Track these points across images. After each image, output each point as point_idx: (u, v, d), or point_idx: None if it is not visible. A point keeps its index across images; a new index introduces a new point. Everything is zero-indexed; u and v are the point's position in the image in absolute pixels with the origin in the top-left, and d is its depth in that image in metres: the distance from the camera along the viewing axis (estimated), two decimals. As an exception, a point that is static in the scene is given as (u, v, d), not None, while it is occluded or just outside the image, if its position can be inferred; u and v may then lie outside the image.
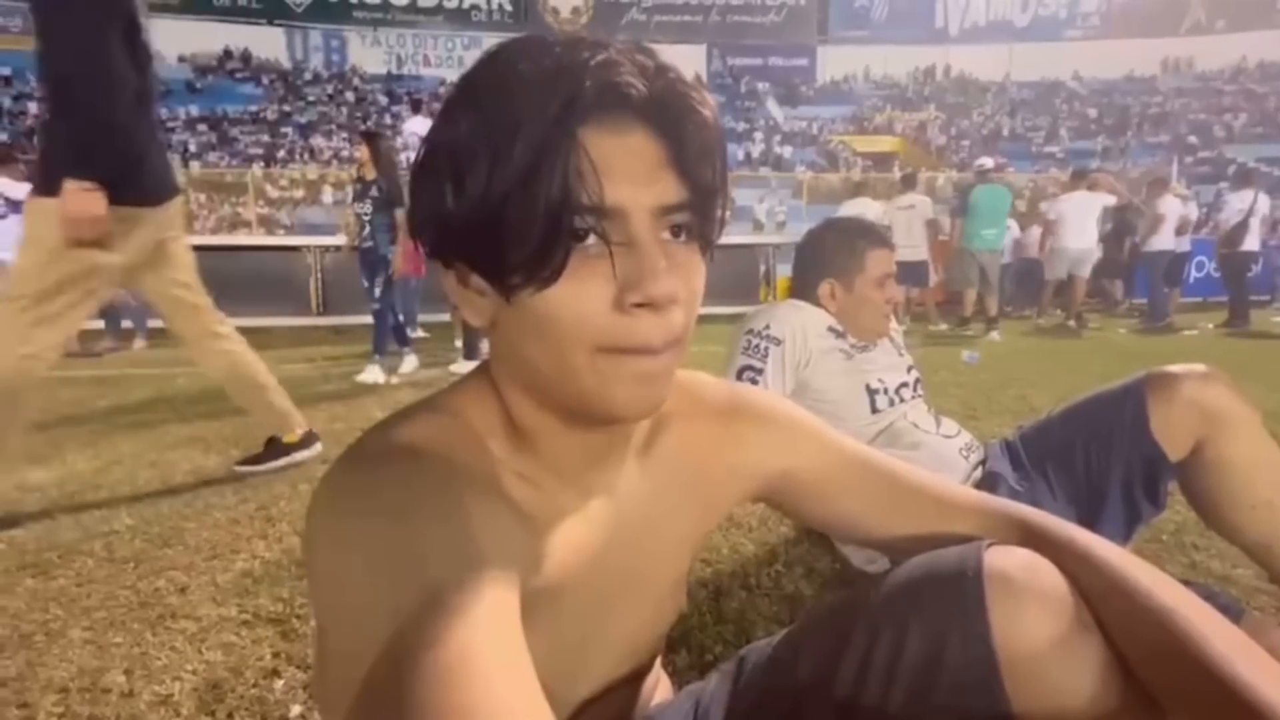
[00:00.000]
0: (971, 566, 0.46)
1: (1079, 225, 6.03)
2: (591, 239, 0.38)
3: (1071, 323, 6.26)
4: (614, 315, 0.38)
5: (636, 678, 0.58)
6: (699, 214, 0.41)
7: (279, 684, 1.06)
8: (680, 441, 0.54)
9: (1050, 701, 0.43)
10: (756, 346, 1.30)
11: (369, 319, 4.22)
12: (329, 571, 0.35)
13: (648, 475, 0.52)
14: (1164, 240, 6.36)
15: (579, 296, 0.38)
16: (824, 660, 0.51)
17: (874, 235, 1.37)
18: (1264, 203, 6.22)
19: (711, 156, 0.40)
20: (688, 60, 24.20)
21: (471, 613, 0.31)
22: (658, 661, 0.64)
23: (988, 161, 6.33)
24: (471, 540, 0.35)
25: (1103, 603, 0.45)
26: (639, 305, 0.38)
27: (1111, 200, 6.20)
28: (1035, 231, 6.99)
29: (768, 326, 1.30)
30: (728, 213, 0.44)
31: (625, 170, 0.38)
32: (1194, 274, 8.97)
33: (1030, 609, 0.44)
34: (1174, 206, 6.36)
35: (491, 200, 0.37)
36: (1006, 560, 0.46)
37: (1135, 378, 1.14)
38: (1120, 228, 6.72)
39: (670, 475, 0.53)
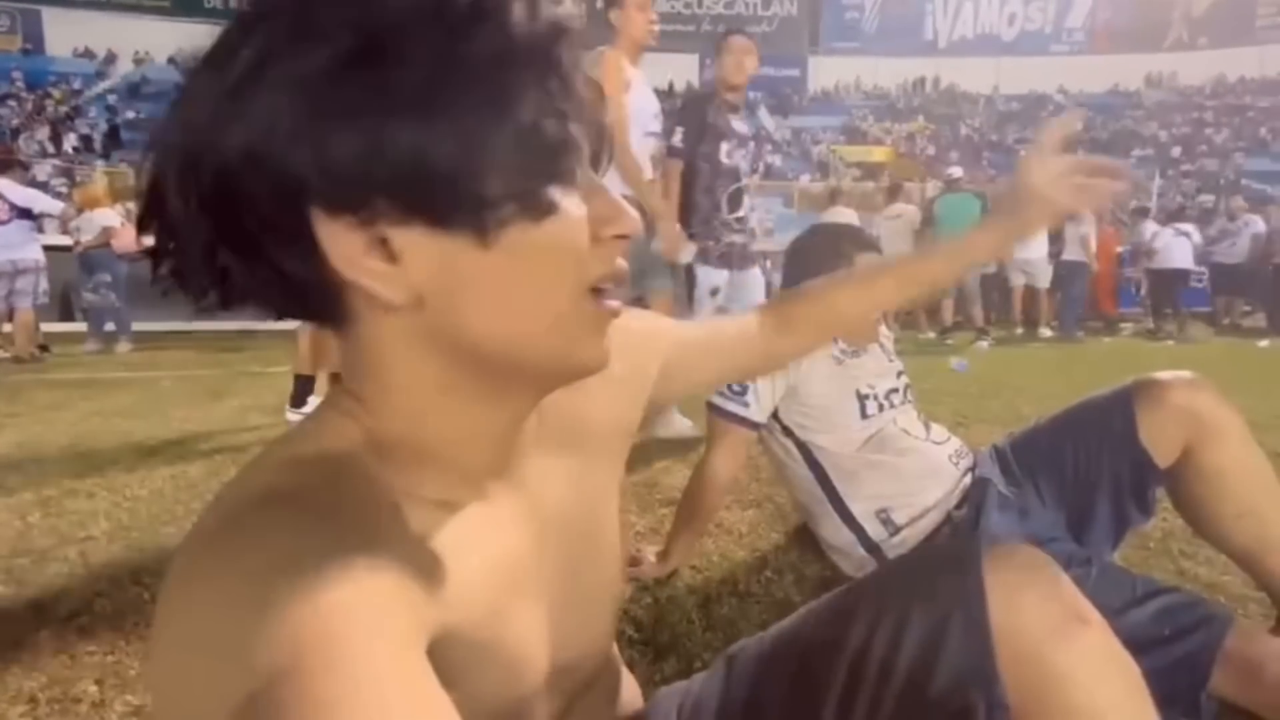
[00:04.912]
0: (971, 559, 0.47)
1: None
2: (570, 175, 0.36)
3: (1046, 331, 6.38)
4: (593, 249, 0.37)
5: (599, 668, 0.54)
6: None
7: (257, 694, 1.03)
8: (557, 399, 0.46)
9: (1048, 692, 0.43)
10: (747, 351, 1.29)
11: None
12: (166, 652, 0.28)
13: (545, 449, 0.46)
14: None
15: (573, 229, 0.35)
16: (821, 652, 0.50)
17: (862, 240, 1.37)
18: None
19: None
20: (680, 69, 24.33)
21: (346, 660, 0.25)
22: (624, 672, 0.62)
23: (956, 171, 6.44)
24: (346, 586, 0.28)
25: None
26: (619, 237, 0.37)
27: None
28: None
29: (758, 331, 1.30)
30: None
31: (584, 101, 0.36)
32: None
33: (1029, 601, 0.44)
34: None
35: (472, 127, 0.31)
36: (1006, 553, 0.47)
37: (1123, 385, 1.15)
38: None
39: (565, 437, 0.48)
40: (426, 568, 0.34)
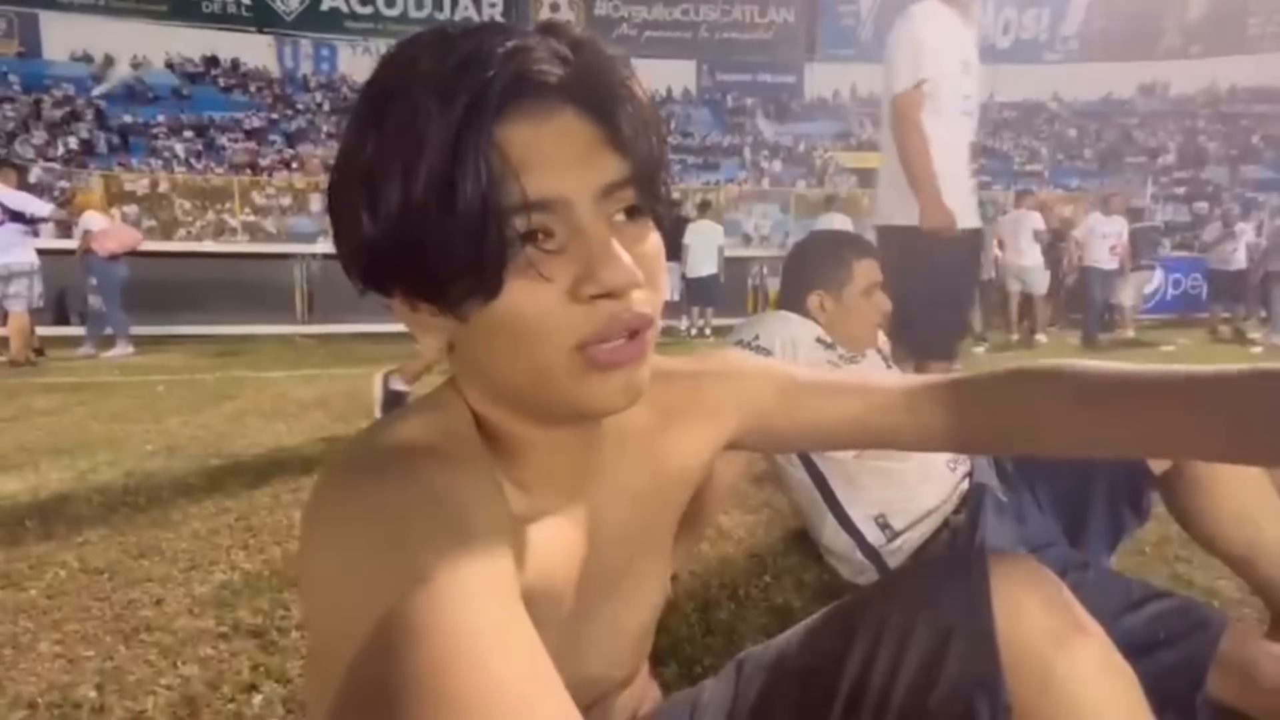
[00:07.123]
0: (975, 567, 0.48)
1: (1015, 243, 6.40)
2: (539, 237, 0.36)
3: (1041, 337, 6.45)
4: (574, 309, 0.36)
5: (628, 681, 0.58)
6: (644, 190, 0.38)
7: (257, 699, 1.03)
8: (651, 424, 0.52)
9: (1048, 699, 0.44)
10: (746, 357, 1.30)
11: (356, 327, 4.12)
12: (320, 570, 0.34)
13: (620, 472, 0.50)
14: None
15: (533, 298, 0.36)
16: (828, 659, 0.51)
17: (860, 246, 1.39)
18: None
19: (648, 129, 0.38)
20: (678, 75, 24.46)
21: (466, 595, 0.30)
22: (645, 668, 0.64)
23: None
24: (466, 530, 0.34)
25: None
26: (598, 296, 0.36)
27: (1040, 223, 6.43)
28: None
29: (757, 337, 1.31)
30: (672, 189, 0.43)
31: (557, 157, 0.35)
32: (1170, 291, 9.17)
33: (1031, 610, 0.46)
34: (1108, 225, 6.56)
35: (410, 219, 0.35)
36: (1008, 562, 0.48)
37: (1118, 390, 1.15)
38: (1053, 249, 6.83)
39: (640, 464, 0.51)
40: (504, 522, 0.39)
